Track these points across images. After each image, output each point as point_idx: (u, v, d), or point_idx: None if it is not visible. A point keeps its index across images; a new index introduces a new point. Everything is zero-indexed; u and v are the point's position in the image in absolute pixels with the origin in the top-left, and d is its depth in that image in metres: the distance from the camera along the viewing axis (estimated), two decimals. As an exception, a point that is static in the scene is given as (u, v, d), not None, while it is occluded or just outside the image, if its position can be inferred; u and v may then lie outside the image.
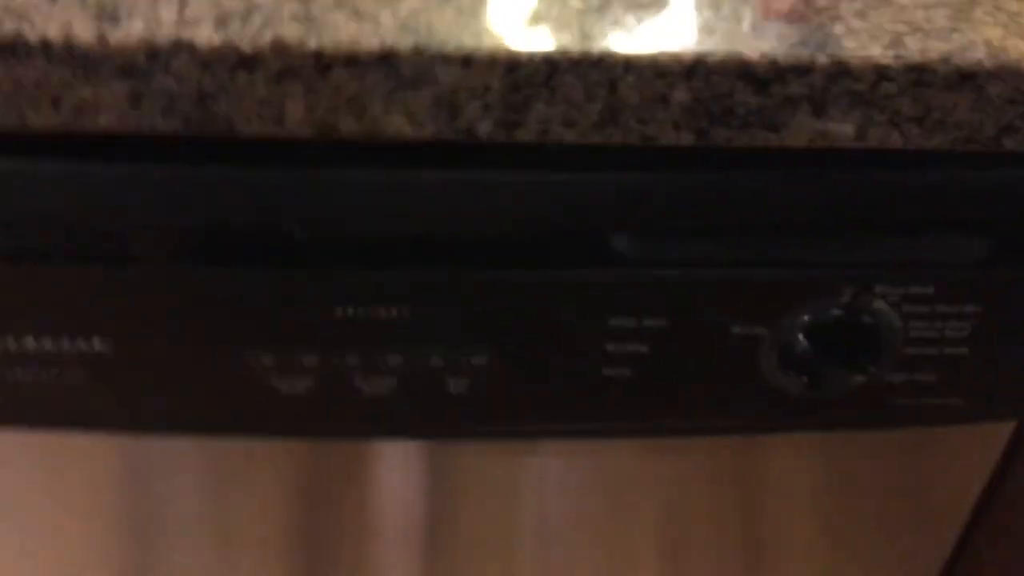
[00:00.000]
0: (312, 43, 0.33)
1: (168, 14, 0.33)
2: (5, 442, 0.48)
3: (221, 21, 0.33)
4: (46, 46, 0.33)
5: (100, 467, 0.51)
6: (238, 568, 0.57)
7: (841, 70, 0.34)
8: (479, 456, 0.52)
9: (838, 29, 0.34)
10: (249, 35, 0.33)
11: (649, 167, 0.38)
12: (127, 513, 0.53)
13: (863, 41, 0.34)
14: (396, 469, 0.53)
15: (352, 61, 0.33)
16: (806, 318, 0.41)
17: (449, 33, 0.33)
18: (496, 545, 0.56)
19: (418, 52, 0.33)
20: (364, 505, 0.53)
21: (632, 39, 0.33)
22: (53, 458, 0.50)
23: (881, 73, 0.34)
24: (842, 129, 0.35)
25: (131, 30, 0.33)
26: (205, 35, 0.33)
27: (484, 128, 0.35)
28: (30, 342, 0.43)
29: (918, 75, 0.34)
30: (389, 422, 0.47)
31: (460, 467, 0.52)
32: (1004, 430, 0.50)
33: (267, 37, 0.33)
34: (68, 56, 0.33)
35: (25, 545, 0.54)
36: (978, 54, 0.34)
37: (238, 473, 0.52)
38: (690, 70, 0.33)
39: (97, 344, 0.43)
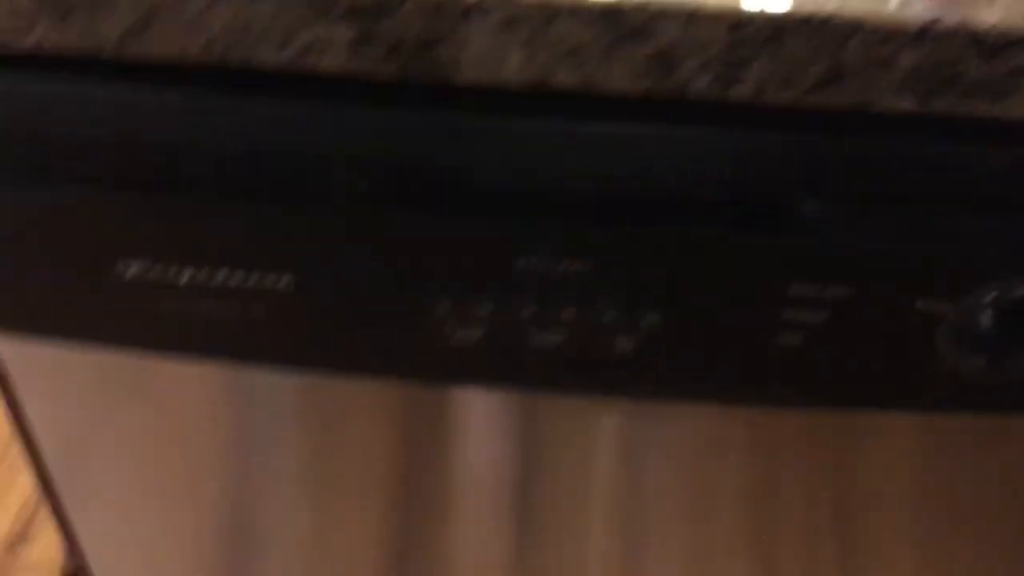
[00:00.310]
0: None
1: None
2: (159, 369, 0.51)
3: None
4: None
5: (208, 399, 0.53)
6: (333, 509, 0.58)
7: (1071, 42, 0.33)
8: (573, 411, 0.52)
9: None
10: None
11: (850, 131, 0.38)
12: (231, 446, 0.55)
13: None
14: (491, 420, 0.54)
15: (576, 12, 0.34)
16: (993, 295, 0.41)
17: (673, -11, 0.34)
18: (585, 502, 0.56)
19: (643, 7, 0.33)
20: (456, 453, 0.54)
21: (859, 2, 0.33)
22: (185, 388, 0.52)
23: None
24: (1064, 102, 0.34)
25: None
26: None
27: (700, 85, 0.35)
28: (223, 274, 0.45)
29: None
30: (552, 377, 0.48)
31: (554, 420, 0.53)
32: None
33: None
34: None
35: (141, 472, 0.56)
36: None
37: (340, 416, 0.54)
38: (918, 35, 0.33)
39: (283, 281, 0.45)
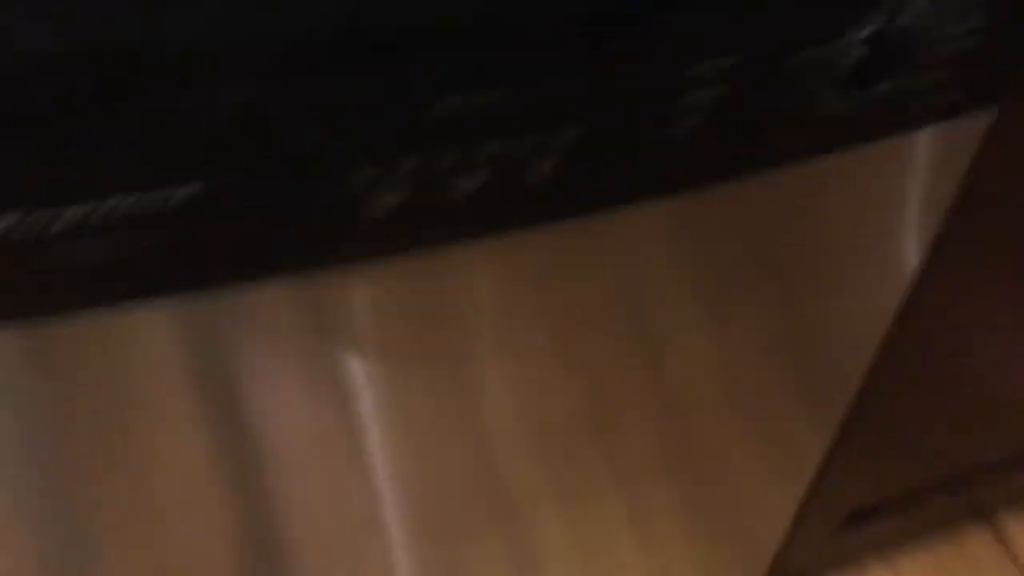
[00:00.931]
0: None
1: None
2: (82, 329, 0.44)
3: None
4: None
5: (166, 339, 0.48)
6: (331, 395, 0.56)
7: None
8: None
9: None
10: None
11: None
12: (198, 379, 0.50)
13: None
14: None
15: None
16: (859, 33, 0.45)
17: None
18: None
19: None
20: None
21: None
22: (126, 338, 0.46)
23: None
24: None
25: None
26: None
27: None
28: (113, 202, 0.39)
29: None
30: (476, 222, 0.47)
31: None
32: (975, 132, 0.57)
33: None
34: None
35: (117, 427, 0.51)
36: None
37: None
38: None
39: (188, 190, 0.40)
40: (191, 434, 0.53)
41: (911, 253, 0.66)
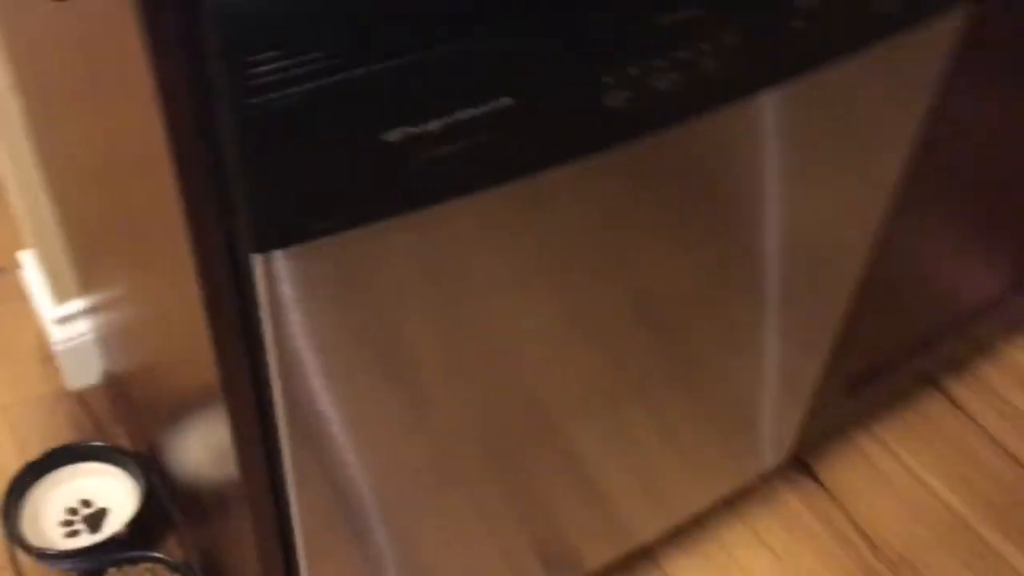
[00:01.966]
0: None
1: None
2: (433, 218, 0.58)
3: None
4: None
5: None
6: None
7: None
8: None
9: None
10: None
11: None
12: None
13: None
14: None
15: None
16: None
17: None
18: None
19: None
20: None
21: None
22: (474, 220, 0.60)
23: None
24: None
25: None
26: None
27: None
28: (455, 115, 0.54)
29: None
30: (673, 113, 0.64)
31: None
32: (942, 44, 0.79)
33: None
34: None
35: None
36: None
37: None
38: None
39: (504, 102, 0.56)
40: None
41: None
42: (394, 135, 0.53)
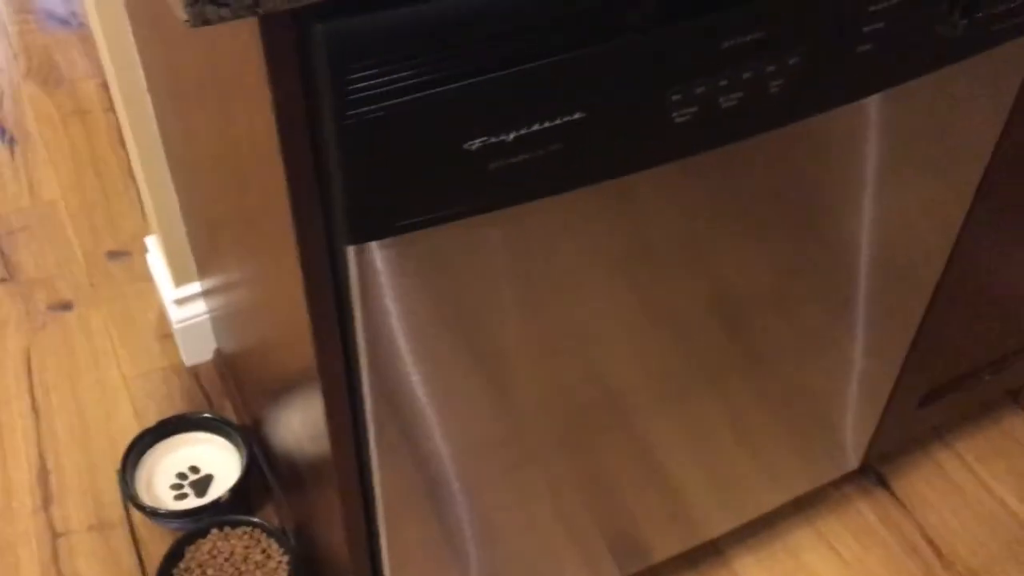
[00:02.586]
0: None
1: None
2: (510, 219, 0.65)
3: None
4: None
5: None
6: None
7: None
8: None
9: None
10: None
11: None
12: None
13: None
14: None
15: None
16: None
17: None
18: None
19: None
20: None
21: None
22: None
23: None
24: None
25: None
26: None
27: None
28: (532, 128, 0.60)
29: None
30: (739, 129, 0.69)
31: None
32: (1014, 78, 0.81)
33: None
34: None
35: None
36: None
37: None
38: None
39: (576, 115, 0.62)
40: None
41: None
42: (475, 145, 0.60)
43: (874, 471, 1.29)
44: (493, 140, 0.60)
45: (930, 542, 1.21)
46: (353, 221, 0.60)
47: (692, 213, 0.76)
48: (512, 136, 0.61)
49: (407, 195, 0.60)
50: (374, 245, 0.62)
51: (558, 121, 0.62)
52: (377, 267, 0.64)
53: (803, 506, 1.24)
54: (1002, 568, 1.19)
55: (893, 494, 1.26)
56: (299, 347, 0.75)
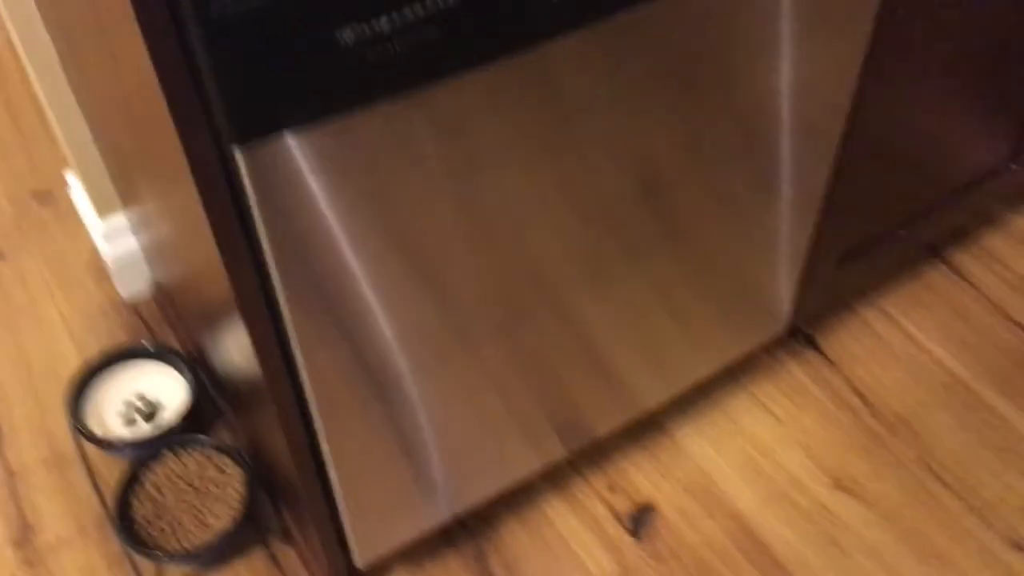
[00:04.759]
0: None
1: None
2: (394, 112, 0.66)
3: None
4: None
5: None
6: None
7: None
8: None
9: None
10: None
11: None
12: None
13: None
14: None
15: None
16: None
17: None
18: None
19: None
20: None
21: None
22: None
23: None
24: None
25: None
26: None
27: None
28: (404, 13, 0.61)
29: None
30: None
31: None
32: None
33: None
34: None
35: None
36: None
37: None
38: None
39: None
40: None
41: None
42: (346, 35, 0.60)
43: (803, 334, 1.33)
44: (365, 29, 0.61)
45: (860, 395, 1.27)
46: (235, 121, 0.61)
47: (598, 84, 0.77)
48: (384, 22, 0.61)
49: (286, 92, 0.61)
50: (267, 144, 0.63)
51: (429, 2, 0.62)
52: (274, 167, 0.64)
53: (737, 374, 1.29)
54: (929, 413, 1.25)
55: (823, 354, 1.31)
56: (212, 265, 0.76)
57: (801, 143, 0.99)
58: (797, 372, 1.29)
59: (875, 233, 1.23)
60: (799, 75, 0.91)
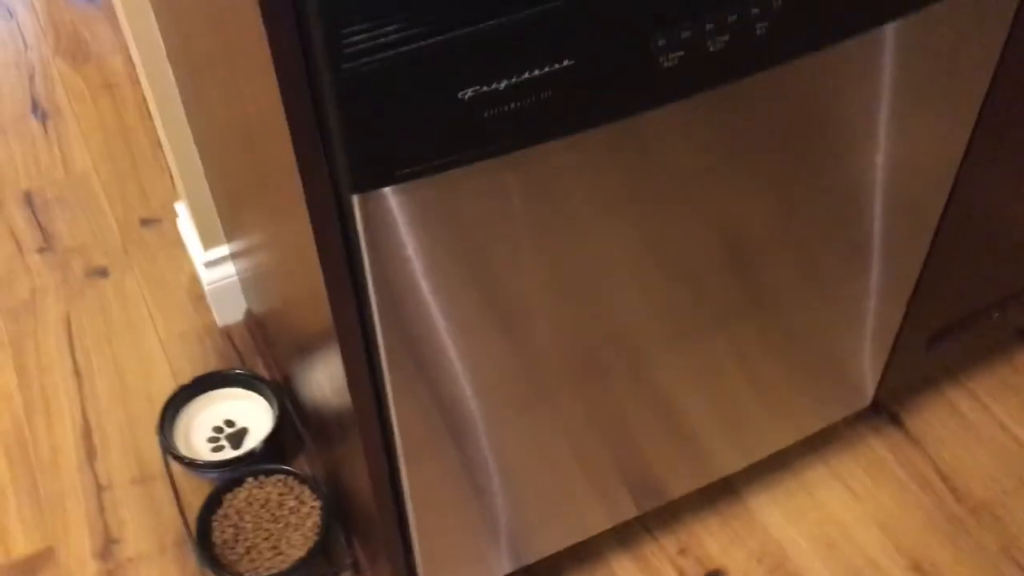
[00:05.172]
0: None
1: None
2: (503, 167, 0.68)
3: None
4: None
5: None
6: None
7: None
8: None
9: None
10: None
11: None
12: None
13: None
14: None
15: None
16: None
17: None
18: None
19: None
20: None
21: None
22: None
23: None
24: None
25: None
26: None
27: None
28: (522, 76, 0.64)
29: None
30: (723, 74, 0.72)
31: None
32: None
33: None
34: None
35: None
36: None
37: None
38: None
39: (565, 62, 0.65)
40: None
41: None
42: (467, 94, 0.63)
43: (887, 410, 1.31)
44: (485, 89, 0.63)
45: (943, 477, 1.24)
46: (356, 170, 0.64)
47: (698, 153, 0.78)
48: (503, 84, 0.64)
49: (406, 144, 0.64)
50: (381, 193, 0.66)
51: (547, 69, 0.65)
52: (385, 215, 0.67)
53: (817, 445, 1.27)
54: (1016, 502, 1.22)
55: (906, 432, 1.29)
56: (316, 301, 0.79)
57: (897, 221, 0.99)
58: (879, 448, 1.27)
59: (967, 314, 1.21)
60: (900, 152, 0.91)
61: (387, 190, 0.67)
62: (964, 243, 1.09)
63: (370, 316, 0.76)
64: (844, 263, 1.00)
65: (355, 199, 0.66)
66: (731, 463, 1.16)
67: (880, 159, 0.91)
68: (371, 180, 0.65)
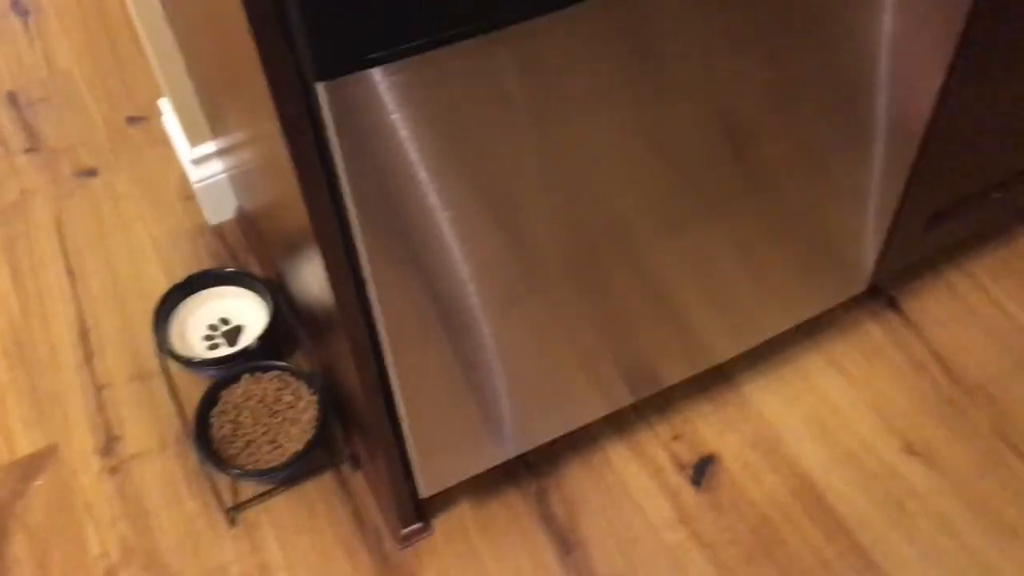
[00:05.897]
0: None
1: None
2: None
3: None
4: None
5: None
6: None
7: None
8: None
9: None
10: None
11: None
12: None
13: None
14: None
15: None
16: None
17: None
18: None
19: None
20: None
21: None
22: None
23: None
24: None
25: None
26: None
27: None
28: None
29: None
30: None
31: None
32: None
33: None
34: None
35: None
36: None
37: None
38: None
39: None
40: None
41: None
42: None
43: (885, 294, 1.30)
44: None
45: (939, 359, 1.24)
46: (318, 57, 0.62)
47: (696, 32, 0.75)
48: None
49: (370, 27, 0.61)
50: (356, 78, 0.64)
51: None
52: (361, 103, 0.65)
53: (813, 331, 1.27)
54: (1010, 382, 1.21)
55: (903, 315, 1.28)
56: (292, 195, 0.78)
57: (897, 97, 0.96)
58: (875, 332, 1.27)
59: (967, 194, 1.19)
60: (900, 26, 0.87)
61: (357, 78, 0.64)
62: (965, 120, 1.06)
63: (346, 210, 0.74)
64: (843, 142, 0.97)
65: (320, 88, 0.64)
66: (727, 350, 1.16)
67: (880, 32, 0.87)
68: (336, 66, 0.62)
